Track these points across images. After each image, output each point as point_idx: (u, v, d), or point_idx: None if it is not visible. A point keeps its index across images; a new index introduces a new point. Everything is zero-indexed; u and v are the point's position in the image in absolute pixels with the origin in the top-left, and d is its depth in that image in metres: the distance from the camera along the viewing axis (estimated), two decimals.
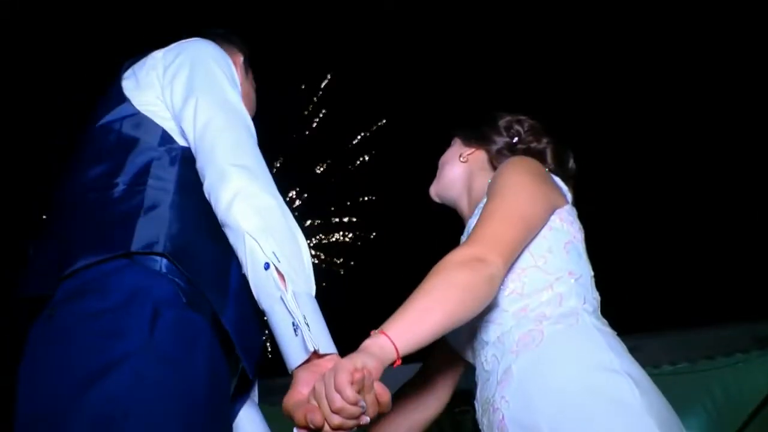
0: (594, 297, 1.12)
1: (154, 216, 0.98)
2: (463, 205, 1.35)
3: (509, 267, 1.06)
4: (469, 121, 1.42)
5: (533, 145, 1.32)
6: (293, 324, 0.88)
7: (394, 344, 0.89)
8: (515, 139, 1.33)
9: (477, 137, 1.37)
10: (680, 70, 3.90)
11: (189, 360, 0.90)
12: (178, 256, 0.96)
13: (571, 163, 1.35)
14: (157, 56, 1.16)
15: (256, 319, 1.01)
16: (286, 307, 0.89)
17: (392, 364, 0.90)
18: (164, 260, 0.95)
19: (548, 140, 1.33)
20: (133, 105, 1.10)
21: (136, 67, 1.17)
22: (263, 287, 0.92)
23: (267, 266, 0.91)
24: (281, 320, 0.90)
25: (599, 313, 1.12)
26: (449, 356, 1.36)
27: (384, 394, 0.87)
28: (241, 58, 1.39)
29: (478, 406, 1.14)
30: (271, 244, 0.92)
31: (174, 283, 0.95)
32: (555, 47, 3.83)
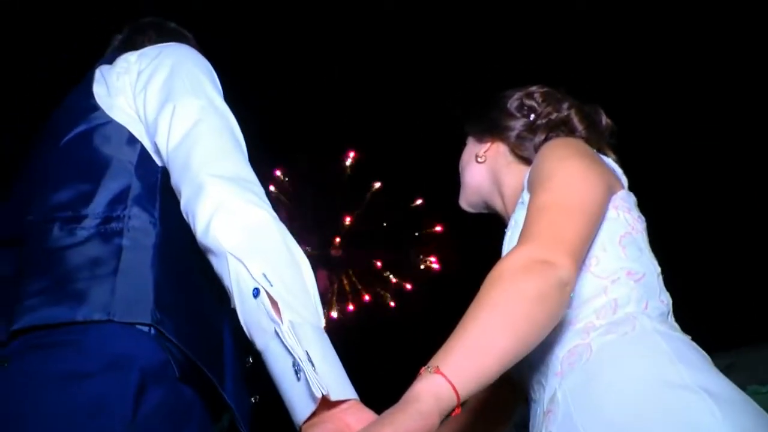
0: (661, 299, 0.91)
1: (137, 274, 0.82)
2: (498, 206, 1.17)
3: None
4: (476, 112, 1.22)
5: (554, 115, 1.12)
6: (294, 365, 0.71)
7: (452, 386, 0.69)
8: (532, 116, 1.13)
9: (489, 129, 1.17)
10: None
11: None
12: (168, 326, 0.80)
13: (605, 121, 1.15)
14: (131, 59, 1.01)
15: (244, 374, 0.87)
16: (283, 343, 0.72)
17: (451, 412, 0.70)
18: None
19: (569, 104, 1.13)
20: (105, 113, 0.95)
21: (105, 69, 1.03)
22: (255, 321, 0.75)
23: (256, 293, 0.75)
24: (279, 361, 0.73)
25: (669, 317, 0.92)
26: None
27: None
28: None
29: None
30: (260, 265, 0.76)
31: (166, 350, 0.79)
32: (560, 46, 3.74)
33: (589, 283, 0.89)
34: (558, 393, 0.86)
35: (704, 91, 3.82)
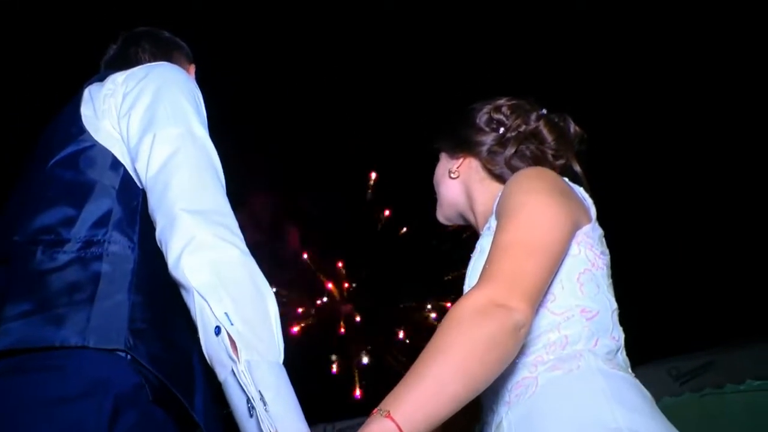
0: (612, 336, 0.94)
1: (113, 300, 0.86)
2: (471, 221, 1.19)
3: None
4: (448, 127, 1.23)
5: (523, 128, 1.13)
6: (247, 402, 0.75)
7: (401, 431, 0.73)
8: (501, 130, 1.14)
9: (460, 144, 1.18)
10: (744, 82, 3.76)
11: None
12: (141, 351, 0.84)
13: (573, 128, 1.16)
14: (118, 80, 1.03)
15: (216, 393, 0.89)
16: (237, 381, 0.76)
17: None
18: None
19: (537, 115, 1.14)
20: (91, 136, 0.97)
21: (93, 90, 1.04)
22: (216, 355, 0.80)
23: (218, 331, 0.79)
24: (235, 396, 0.77)
25: (618, 353, 0.95)
26: None
27: None
28: (193, 69, 1.26)
29: None
30: (224, 304, 0.79)
31: (140, 375, 0.84)
32: (561, 49, 3.75)
33: (543, 319, 0.91)
34: (504, 422, 0.90)
35: (685, 105, 3.87)
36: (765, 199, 3.95)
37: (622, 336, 0.96)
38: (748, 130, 3.90)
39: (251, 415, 0.75)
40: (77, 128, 0.99)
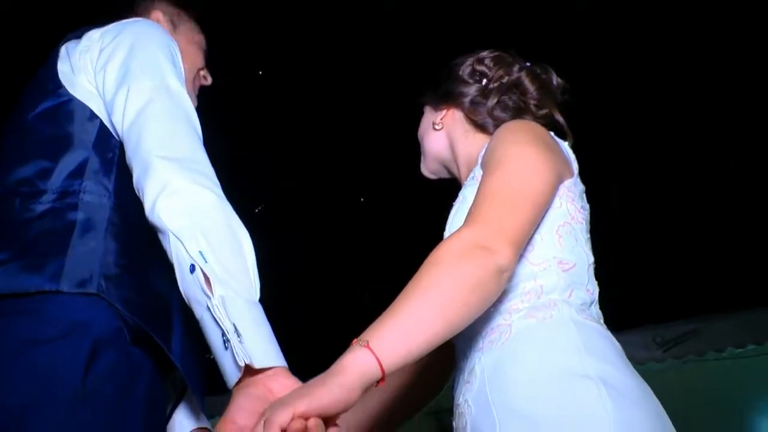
0: (587, 288, 0.95)
1: (87, 247, 0.87)
2: (455, 172, 1.19)
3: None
4: (431, 82, 1.24)
5: (505, 79, 1.13)
6: (222, 335, 0.76)
7: (379, 363, 0.72)
8: (484, 81, 1.15)
9: (444, 97, 1.19)
10: (684, 64, 3.72)
11: (125, 402, 0.83)
12: (114, 295, 0.85)
13: (556, 80, 1.16)
14: (94, 36, 1.03)
15: (196, 338, 0.90)
16: (213, 316, 0.77)
17: (376, 384, 0.74)
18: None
19: (519, 66, 1.15)
20: (67, 91, 0.98)
21: (70, 47, 1.05)
22: (192, 294, 0.80)
23: (192, 269, 0.79)
24: (211, 332, 0.78)
25: (592, 306, 0.96)
26: None
27: None
28: (160, 14, 1.23)
29: (453, 407, 0.99)
30: (198, 243, 0.80)
31: (119, 317, 0.86)
32: (560, 49, 3.70)
33: (521, 268, 0.92)
34: (477, 367, 0.91)
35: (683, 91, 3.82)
36: (749, 170, 3.97)
37: (597, 290, 0.98)
38: (734, 100, 3.89)
39: (226, 348, 0.75)
40: (54, 84, 1.00)
